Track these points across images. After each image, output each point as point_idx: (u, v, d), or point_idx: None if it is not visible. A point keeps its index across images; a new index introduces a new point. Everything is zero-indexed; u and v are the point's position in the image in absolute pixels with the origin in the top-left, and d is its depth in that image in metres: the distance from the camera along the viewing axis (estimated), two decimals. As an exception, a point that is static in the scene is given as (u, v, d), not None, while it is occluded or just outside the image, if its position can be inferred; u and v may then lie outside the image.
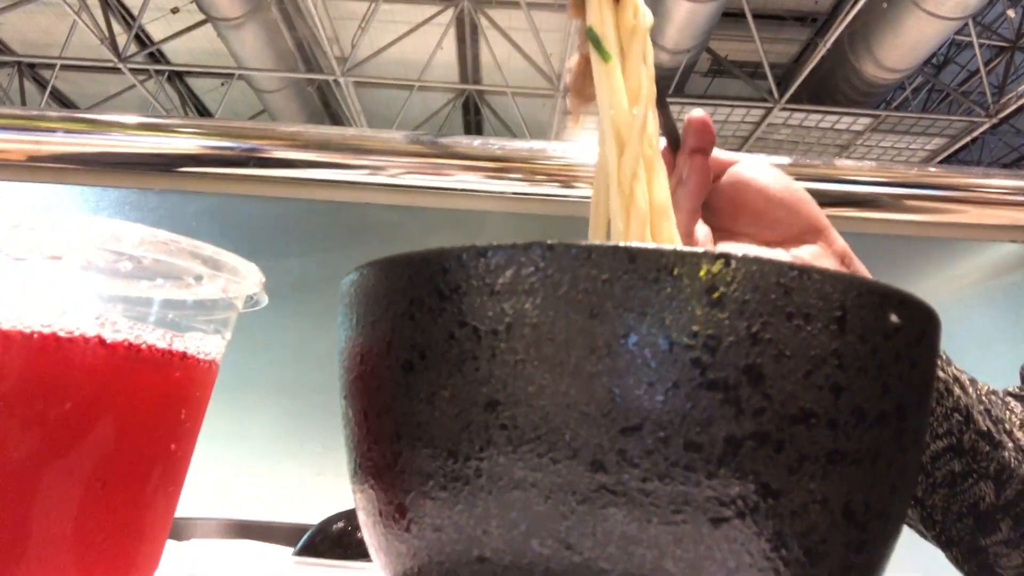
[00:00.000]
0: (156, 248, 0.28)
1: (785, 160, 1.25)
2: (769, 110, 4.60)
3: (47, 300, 0.27)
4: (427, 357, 0.22)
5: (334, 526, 0.49)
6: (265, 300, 0.33)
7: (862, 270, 0.40)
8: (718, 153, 0.41)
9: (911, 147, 5.28)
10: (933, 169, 1.26)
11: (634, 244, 0.20)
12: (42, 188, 1.07)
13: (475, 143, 1.17)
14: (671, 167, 0.40)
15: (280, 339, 0.94)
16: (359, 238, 1.11)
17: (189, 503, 0.33)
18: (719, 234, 0.41)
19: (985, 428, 0.40)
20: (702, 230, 0.40)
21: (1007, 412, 0.43)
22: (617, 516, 0.20)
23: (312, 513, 0.57)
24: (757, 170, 0.40)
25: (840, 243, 0.40)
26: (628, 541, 0.20)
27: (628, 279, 0.20)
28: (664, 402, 0.20)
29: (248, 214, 1.08)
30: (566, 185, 1.11)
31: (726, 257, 0.20)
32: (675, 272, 0.20)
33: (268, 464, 0.90)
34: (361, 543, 0.50)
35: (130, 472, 0.28)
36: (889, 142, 5.22)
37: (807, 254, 0.39)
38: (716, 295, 0.20)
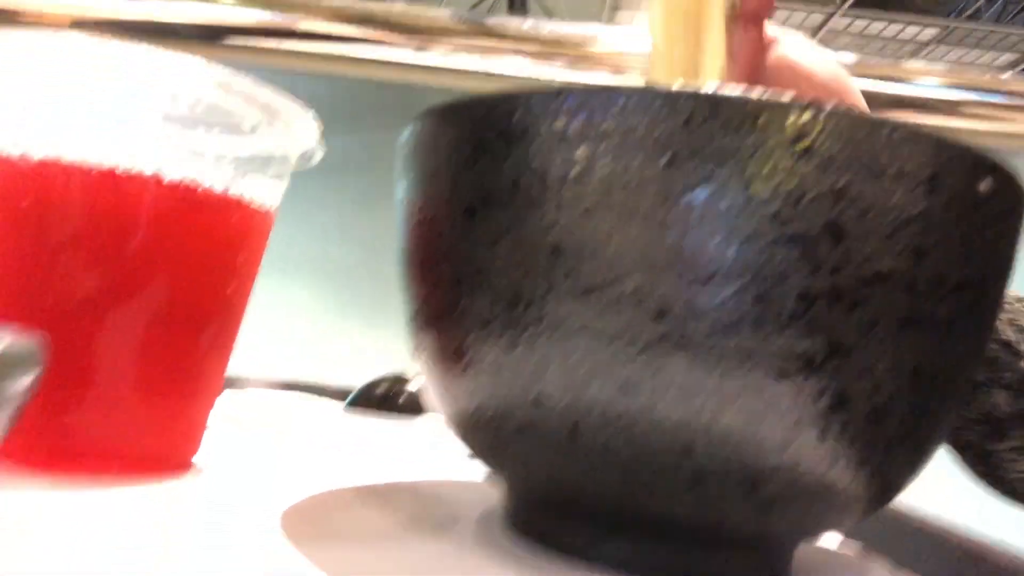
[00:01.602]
0: (215, 86, 0.28)
1: (851, 58, 1.19)
2: (831, 15, 4.34)
3: (107, 136, 0.27)
4: (491, 203, 0.22)
5: (378, 389, 0.50)
6: (320, 153, 0.33)
7: None
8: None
9: (978, 61, 4.98)
10: (1005, 77, 1.19)
11: (719, 90, 0.19)
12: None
13: (524, 25, 1.13)
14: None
15: (323, 217, 0.94)
16: (404, 119, 1.09)
17: (237, 364, 0.34)
18: None
19: (1006, 338, 0.39)
20: None
21: None
22: (679, 366, 0.20)
23: (355, 379, 0.59)
24: (803, 53, 0.38)
25: None
26: (688, 390, 0.20)
27: (710, 127, 0.19)
28: (738, 255, 0.19)
29: (293, 90, 1.07)
30: (617, 72, 1.07)
31: (816, 107, 0.19)
32: (760, 121, 0.19)
33: (310, 338, 0.93)
34: (405, 404, 0.51)
35: (189, 312, 0.29)
36: (956, 55, 4.93)
37: None
38: (802, 147, 0.19)
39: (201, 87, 0.28)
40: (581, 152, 0.20)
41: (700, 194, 0.19)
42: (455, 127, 0.23)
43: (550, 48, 1.11)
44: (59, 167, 0.27)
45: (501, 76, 1.11)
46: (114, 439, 0.27)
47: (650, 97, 0.20)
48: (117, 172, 0.27)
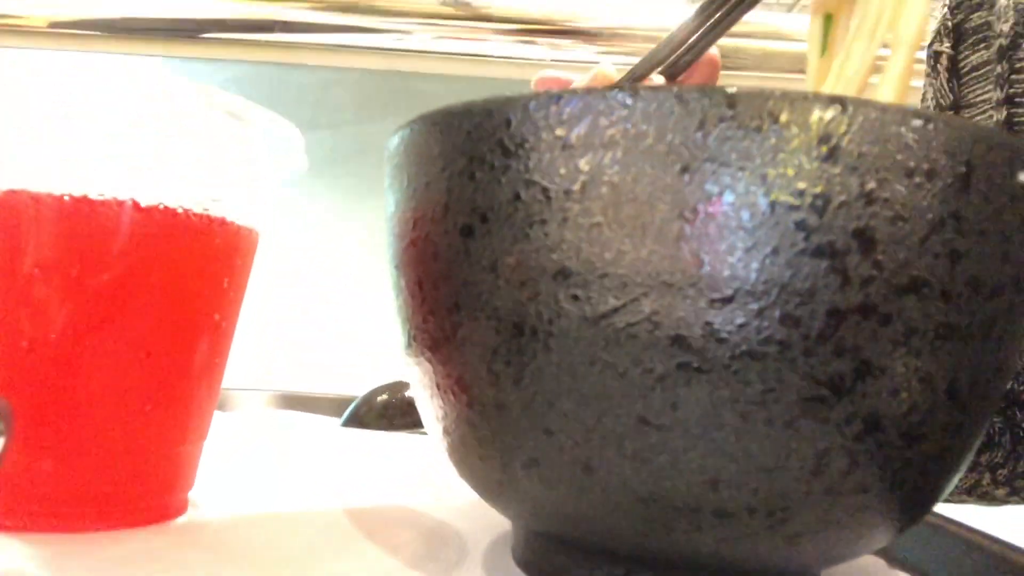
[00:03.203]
0: (192, 103, 0.26)
1: None
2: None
3: (77, 161, 0.25)
4: (489, 221, 0.20)
5: (378, 398, 0.48)
6: (305, 166, 0.31)
7: None
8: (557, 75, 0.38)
9: None
10: None
11: (734, 87, 0.17)
12: (66, 56, 1.03)
13: (510, 4, 1.10)
14: None
15: (313, 215, 0.92)
16: (391, 109, 1.06)
17: (231, 375, 0.32)
18: None
19: None
20: None
21: None
22: (700, 394, 0.18)
23: (353, 387, 0.58)
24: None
25: None
26: (710, 420, 0.18)
27: (726, 128, 0.17)
28: (760, 271, 0.18)
29: (276, 84, 1.04)
30: (607, 52, 1.04)
31: (841, 102, 0.17)
32: (782, 119, 0.17)
33: (301, 345, 0.91)
34: (405, 414, 0.50)
35: (173, 342, 0.27)
36: None
37: None
38: (828, 147, 0.17)
39: (176, 104, 0.26)
40: (586, 162, 0.19)
41: (718, 204, 0.18)
42: (448, 137, 0.21)
43: (538, 26, 1.08)
44: (28, 196, 0.25)
45: (489, 58, 1.09)
46: (100, 486, 0.26)
47: (659, 99, 0.18)
48: (91, 198, 0.26)
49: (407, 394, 0.49)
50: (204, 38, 1.04)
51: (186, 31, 1.05)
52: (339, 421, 0.51)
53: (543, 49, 1.07)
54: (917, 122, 0.18)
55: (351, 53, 1.06)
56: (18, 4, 1.07)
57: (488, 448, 0.22)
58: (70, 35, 1.07)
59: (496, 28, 1.08)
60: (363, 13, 1.06)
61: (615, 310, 0.19)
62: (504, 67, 1.09)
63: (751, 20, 0.94)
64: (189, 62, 1.06)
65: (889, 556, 0.30)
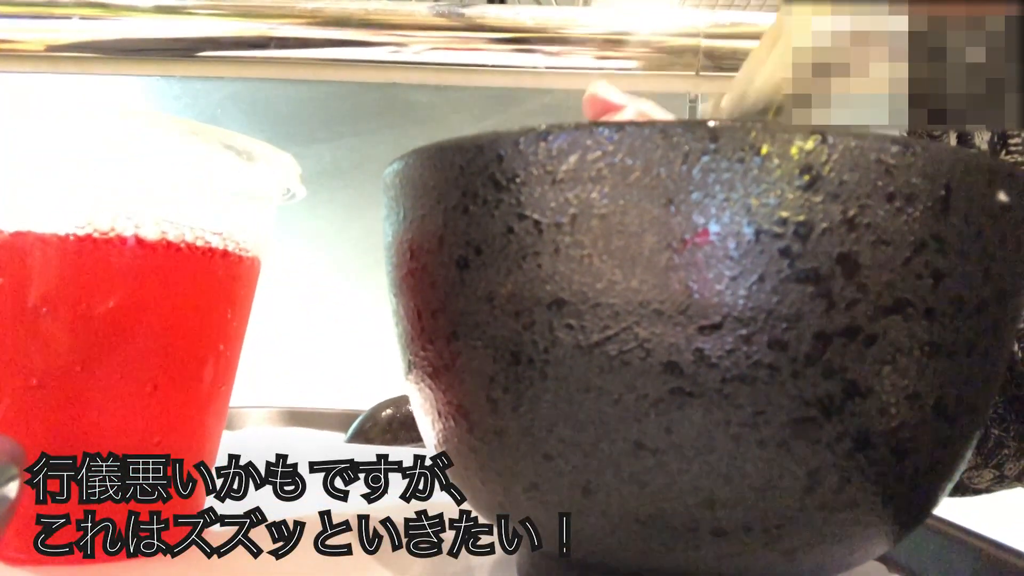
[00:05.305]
0: (189, 139, 0.26)
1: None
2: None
3: (80, 200, 0.26)
4: (483, 253, 0.21)
5: (383, 413, 0.49)
6: (302, 192, 0.32)
7: None
8: (610, 95, 0.36)
9: None
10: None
11: (716, 121, 0.18)
12: (65, 80, 1.04)
13: (503, 13, 1.11)
14: None
15: (313, 228, 0.93)
16: (388, 121, 1.07)
17: (236, 394, 0.33)
18: None
19: None
20: None
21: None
22: (693, 418, 0.19)
23: (358, 402, 0.58)
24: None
25: None
26: (704, 443, 0.19)
27: (709, 161, 0.18)
28: (747, 297, 0.18)
29: (273, 100, 1.05)
30: (602, 57, 1.05)
31: (822, 133, 0.18)
32: (763, 151, 0.18)
33: (310, 356, 0.92)
34: (410, 428, 0.51)
35: (180, 373, 0.28)
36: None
37: None
38: (809, 176, 0.18)
39: (172, 141, 0.26)
40: (575, 195, 0.19)
41: (704, 234, 0.18)
42: (441, 171, 0.22)
43: (532, 35, 1.09)
44: (33, 237, 0.26)
45: (484, 68, 1.09)
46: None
47: (643, 134, 0.19)
48: (95, 237, 0.26)
49: (411, 408, 0.49)
50: (200, 57, 1.05)
51: (181, 50, 1.06)
52: (344, 436, 0.51)
53: (538, 57, 1.08)
54: (896, 148, 0.18)
55: (346, 67, 1.07)
56: (14, 29, 1.07)
57: (489, 472, 0.22)
58: (67, 58, 1.08)
59: (490, 38, 1.09)
60: (356, 27, 1.07)
61: (608, 338, 0.19)
62: (499, 76, 1.09)
63: (751, 22, 0.95)
64: (185, 81, 1.07)
65: (889, 561, 0.30)
